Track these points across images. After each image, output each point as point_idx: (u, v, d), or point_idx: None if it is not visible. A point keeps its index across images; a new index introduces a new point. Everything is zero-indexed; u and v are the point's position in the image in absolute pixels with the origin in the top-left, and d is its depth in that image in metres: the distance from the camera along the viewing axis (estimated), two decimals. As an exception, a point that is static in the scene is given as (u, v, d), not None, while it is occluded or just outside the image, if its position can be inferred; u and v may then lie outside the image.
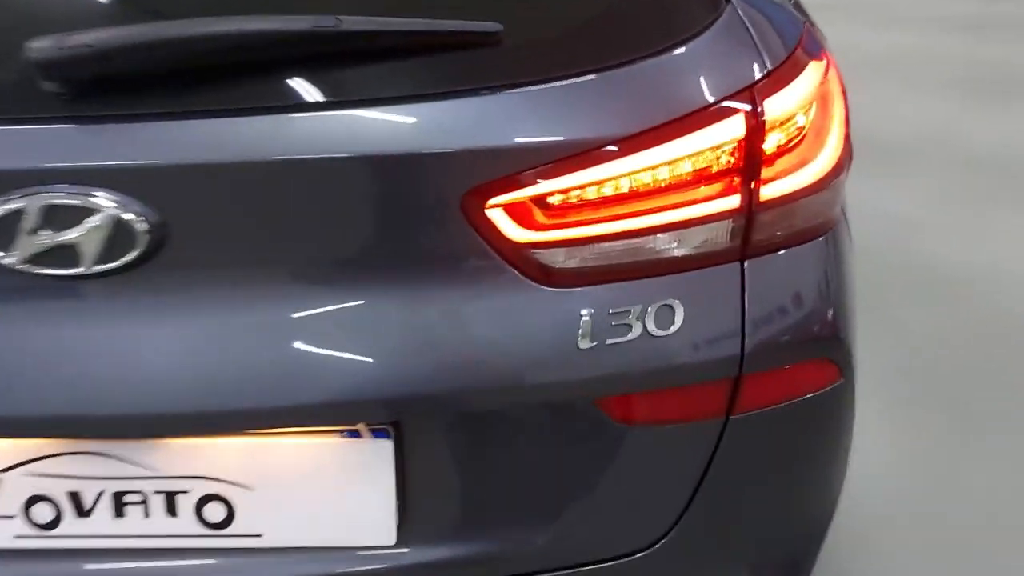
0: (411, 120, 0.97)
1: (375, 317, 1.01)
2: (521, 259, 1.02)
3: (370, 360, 1.01)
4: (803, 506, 1.26)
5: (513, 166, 0.98)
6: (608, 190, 1.01)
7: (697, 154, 1.01)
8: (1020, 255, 3.07)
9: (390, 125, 0.97)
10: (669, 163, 1.01)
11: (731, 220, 1.04)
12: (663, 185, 1.02)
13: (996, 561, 1.82)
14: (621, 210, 1.02)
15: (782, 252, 1.09)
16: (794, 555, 1.31)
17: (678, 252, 1.04)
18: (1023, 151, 4.06)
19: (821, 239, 1.13)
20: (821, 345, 1.15)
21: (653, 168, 1.01)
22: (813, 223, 1.11)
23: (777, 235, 1.08)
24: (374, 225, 0.99)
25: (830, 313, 1.15)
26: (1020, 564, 1.81)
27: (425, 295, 1.01)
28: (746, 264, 1.07)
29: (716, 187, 1.03)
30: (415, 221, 0.99)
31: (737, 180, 1.04)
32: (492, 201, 0.99)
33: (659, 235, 1.03)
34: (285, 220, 0.98)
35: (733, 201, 1.04)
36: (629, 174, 1.00)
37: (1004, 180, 3.74)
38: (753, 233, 1.06)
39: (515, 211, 1.00)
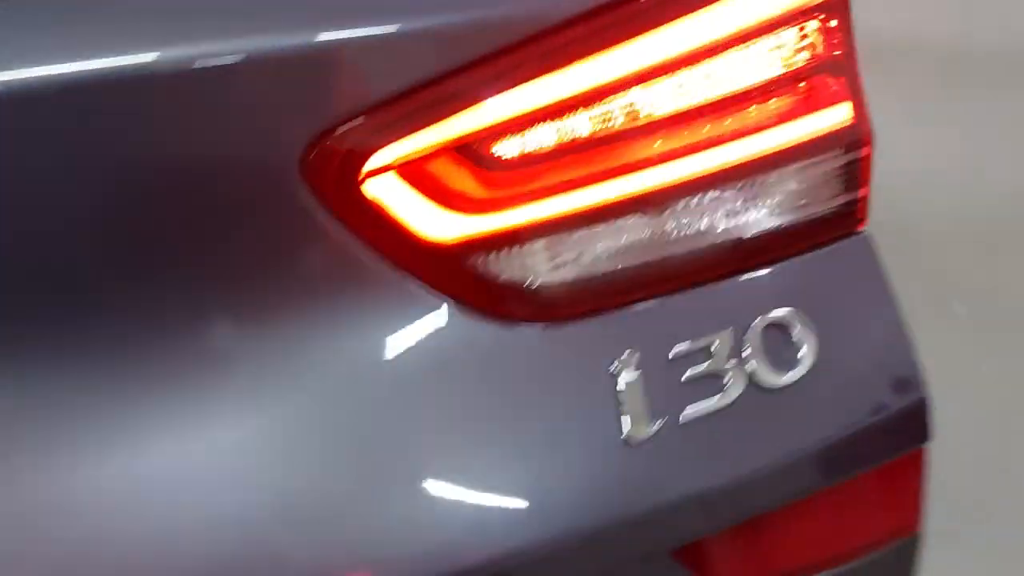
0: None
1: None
2: (457, 276, 0.48)
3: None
4: None
5: (406, 75, 0.45)
6: (617, 115, 0.49)
7: (787, 16, 0.50)
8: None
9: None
10: (735, 37, 0.49)
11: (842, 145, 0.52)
12: (729, 93, 0.50)
13: None
14: (653, 149, 0.49)
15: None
16: None
17: (771, 219, 0.52)
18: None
19: None
20: None
21: (706, 53, 0.49)
22: None
23: None
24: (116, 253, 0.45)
25: None
26: None
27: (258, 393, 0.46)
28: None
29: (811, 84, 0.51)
30: (205, 225, 0.45)
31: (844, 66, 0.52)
32: (374, 163, 0.46)
33: (729, 186, 0.50)
34: None
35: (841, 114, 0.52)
36: (661, 67, 0.48)
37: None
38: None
39: (426, 178, 0.47)
